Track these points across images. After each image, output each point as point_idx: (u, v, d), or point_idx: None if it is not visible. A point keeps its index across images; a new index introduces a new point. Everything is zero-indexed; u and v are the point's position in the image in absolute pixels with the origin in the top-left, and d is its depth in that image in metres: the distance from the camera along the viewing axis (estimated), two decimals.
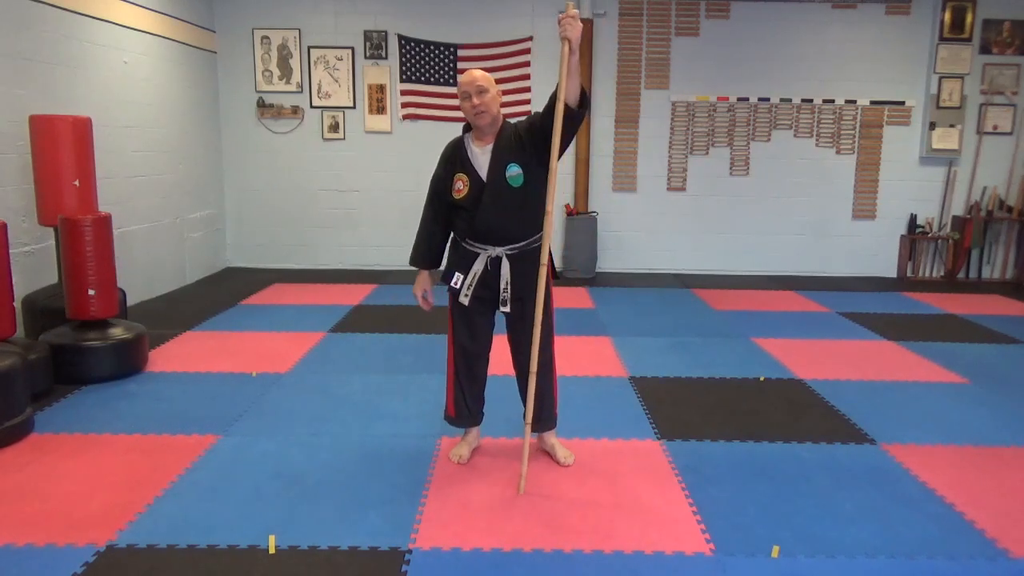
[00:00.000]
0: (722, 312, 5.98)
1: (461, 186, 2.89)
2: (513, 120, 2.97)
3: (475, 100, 2.81)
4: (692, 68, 7.43)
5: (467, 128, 2.98)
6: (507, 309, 2.95)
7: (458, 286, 2.96)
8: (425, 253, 3.05)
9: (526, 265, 2.92)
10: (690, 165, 7.62)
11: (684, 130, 7.55)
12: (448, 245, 3.07)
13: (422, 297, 3.12)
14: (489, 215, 2.86)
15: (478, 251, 2.93)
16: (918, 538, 2.56)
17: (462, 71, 7.27)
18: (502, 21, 7.34)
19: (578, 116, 2.76)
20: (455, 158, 2.94)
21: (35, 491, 2.81)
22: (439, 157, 3.01)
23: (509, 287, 2.92)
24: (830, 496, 2.86)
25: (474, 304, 2.98)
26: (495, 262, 2.92)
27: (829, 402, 3.90)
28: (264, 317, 5.58)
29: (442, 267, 3.08)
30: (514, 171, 2.84)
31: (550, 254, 3.09)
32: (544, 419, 3.11)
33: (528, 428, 2.91)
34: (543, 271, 2.82)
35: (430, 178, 3.02)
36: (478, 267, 2.93)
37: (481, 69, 2.92)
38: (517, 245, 2.91)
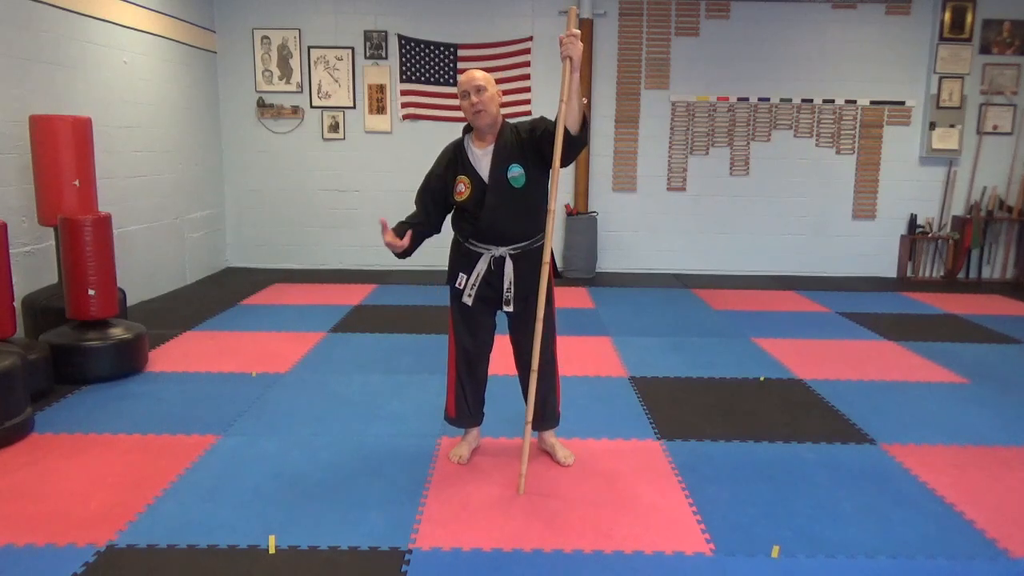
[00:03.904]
0: (722, 312, 5.98)
1: (463, 188, 2.89)
2: (513, 120, 2.97)
3: (473, 98, 2.81)
4: (692, 68, 7.42)
5: (467, 130, 2.98)
6: (510, 309, 2.95)
7: (461, 287, 2.96)
8: (402, 224, 2.98)
9: (529, 264, 2.93)
10: (690, 165, 7.62)
11: (684, 130, 7.55)
12: (450, 246, 3.07)
13: (387, 238, 2.86)
14: (492, 216, 2.86)
15: (481, 251, 2.94)
16: (918, 538, 2.56)
17: (462, 71, 7.26)
18: (502, 21, 7.34)
19: (578, 141, 2.76)
20: (456, 160, 2.94)
21: (35, 491, 2.81)
22: (437, 156, 3.00)
23: (513, 287, 2.92)
24: (830, 496, 2.86)
25: (477, 304, 2.98)
26: (498, 262, 2.93)
27: (829, 402, 3.90)
28: (264, 317, 5.58)
29: (406, 240, 2.94)
30: (516, 171, 2.85)
31: (551, 252, 3.09)
32: (547, 417, 3.12)
33: (528, 428, 2.91)
34: (545, 270, 2.82)
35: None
36: (481, 267, 2.93)
37: (481, 69, 2.93)
38: (520, 245, 2.91)
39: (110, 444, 3.25)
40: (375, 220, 7.47)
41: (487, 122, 2.85)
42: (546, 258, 2.82)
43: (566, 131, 2.72)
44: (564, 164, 2.80)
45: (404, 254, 2.97)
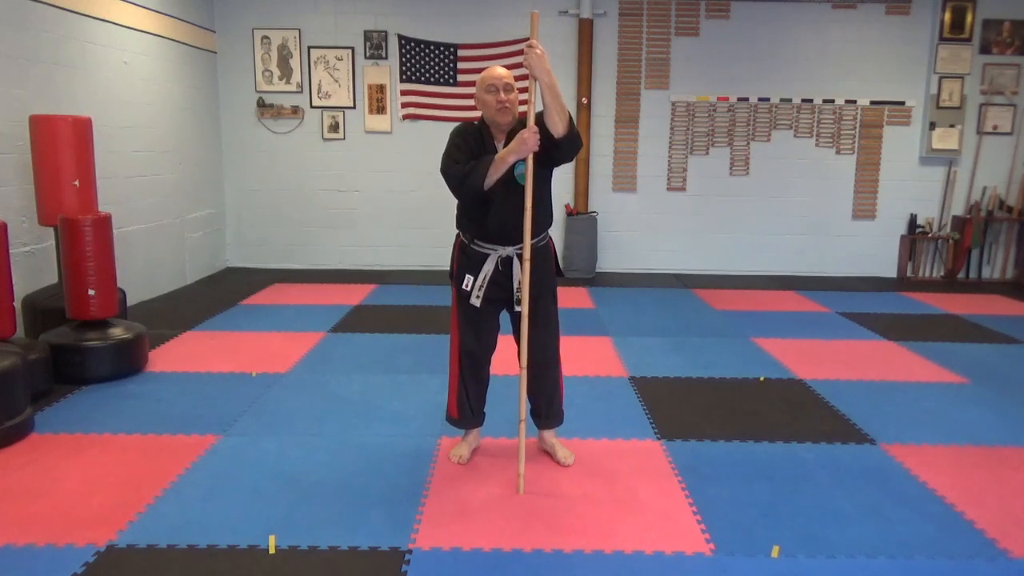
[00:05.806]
0: (722, 312, 5.98)
1: None
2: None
3: (503, 95, 2.78)
4: (692, 68, 7.42)
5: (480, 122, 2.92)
6: (522, 309, 2.93)
7: (468, 288, 2.94)
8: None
9: (536, 263, 2.92)
10: (690, 165, 7.62)
11: (684, 130, 7.55)
12: (456, 248, 3.04)
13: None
14: (502, 214, 2.84)
15: (487, 252, 2.92)
16: (918, 538, 2.56)
17: (462, 71, 7.28)
18: (502, 21, 7.33)
19: (566, 143, 2.73)
20: (480, 141, 2.86)
21: (35, 491, 2.81)
22: (455, 135, 2.87)
23: (522, 286, 2.91)
24: (830, 496, 2.86)
25: (484, 305, 2.96)
26: (506, 262, 2.92)
27: (829, 402, 3.90)
28: (264, 317, 5.58)
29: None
30: (522, 170, 2.82)
31: (555, 251, 3.09)
32: (552, 415, 3.13)
33: (522, 426, 2.90)
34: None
35: (440, 169, 2.89)
36: (488, 268, 2.92)
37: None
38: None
39: (110, 444, 3.25)
40: (375, 220, 7.56)
41: (508, 120, 2.83)
42: (526, 254, 2.79)
43: (554, 137, 2.72)
44: (563, 161, 2.85)
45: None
